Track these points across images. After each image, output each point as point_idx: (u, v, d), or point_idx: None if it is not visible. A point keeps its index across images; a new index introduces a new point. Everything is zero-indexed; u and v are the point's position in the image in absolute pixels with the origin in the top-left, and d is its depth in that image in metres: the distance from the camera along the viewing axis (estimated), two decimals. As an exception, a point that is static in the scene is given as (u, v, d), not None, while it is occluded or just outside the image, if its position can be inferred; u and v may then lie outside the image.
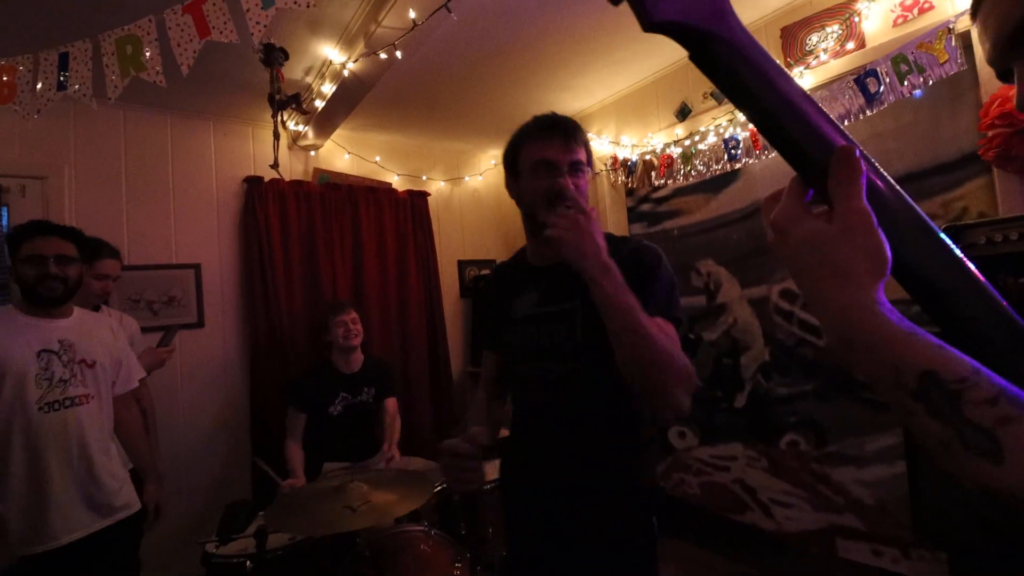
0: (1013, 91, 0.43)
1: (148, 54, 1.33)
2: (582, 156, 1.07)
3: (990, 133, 1.53)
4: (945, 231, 1.25)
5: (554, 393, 1.06)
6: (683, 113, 2.54)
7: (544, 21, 2.08)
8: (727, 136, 2.26)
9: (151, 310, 2.57)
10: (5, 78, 1.43)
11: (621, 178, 2.92)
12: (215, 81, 2.36)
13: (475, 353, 3.49)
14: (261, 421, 2.70)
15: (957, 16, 1.57)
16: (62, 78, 1.42)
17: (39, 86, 1.44)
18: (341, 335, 2.44)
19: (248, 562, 1.63)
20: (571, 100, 2.96)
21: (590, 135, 3.04)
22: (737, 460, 2.70)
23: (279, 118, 1.89)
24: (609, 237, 1.04)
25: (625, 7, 0.40)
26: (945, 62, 1.59)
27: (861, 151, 0.40)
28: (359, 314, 2.57)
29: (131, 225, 2.57)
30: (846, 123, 1.88)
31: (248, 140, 2.92)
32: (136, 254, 2.54)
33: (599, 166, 3.03)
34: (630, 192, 3.11)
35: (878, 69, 1.72)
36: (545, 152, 1.05)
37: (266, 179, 2.82)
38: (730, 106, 2.32)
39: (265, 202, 2.82)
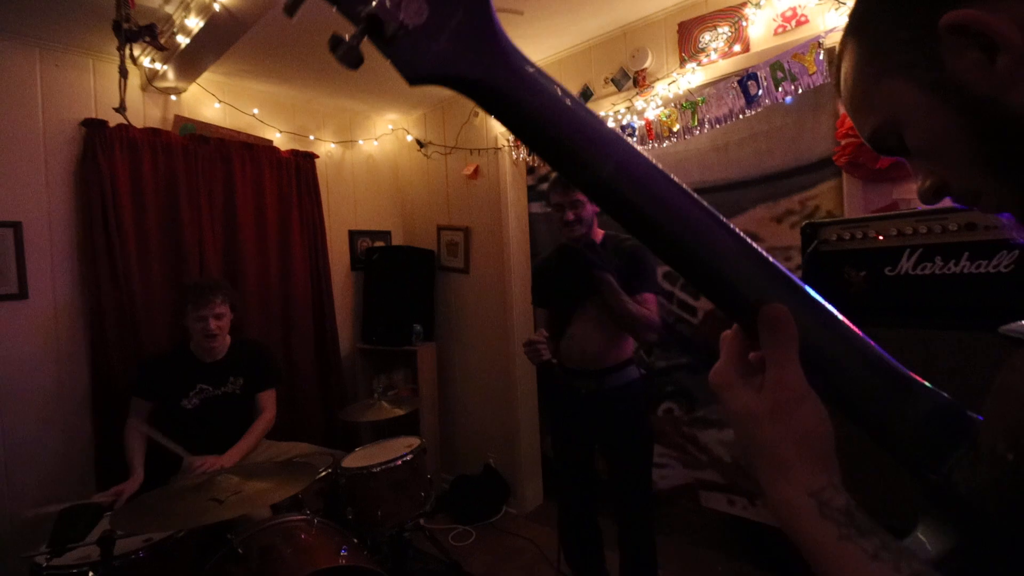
0: None
1: None
2: (575, 196, 1.78)
3: (843, 142, 1.73)
4: (804, 228, 1.40)
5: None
6: (585, 95, 2.57)
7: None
8: (624, 123, 2.34)
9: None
10: None
11: (523, 155, 2.90)
12: (38, -5, 1.90)
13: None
14: (105, 413, 2.31)
15: (827, 32, 1.74)
16: None
17: None
18: (199, 330, 2.14)
19: (90, 572, 1.40)
20: (475, 69, 2.86)
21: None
22: (619, 429, 2.91)
23: (127, 51, 1.56)
24: (609, 236, 1.86)
25: None
26: (813, 73, 1.76)
27: (792, 287, 0.37)
28: (231, 294, 2.27)
29: (-84, 168, 2.02)
30: (728, 122, 2.03)
31: (88, 74, 2.42)
32: (-76, 205, 2.01)
33: (501, 141, 2.98)
34: (531, 170, 3.12)
35: (758, 73, 1.87)
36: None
37: (111, 124, 2.37)
38: (628, 93, 2.39)
39: (111, 151, 2.37)
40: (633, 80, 2.37)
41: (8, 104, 2.22)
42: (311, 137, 3.16)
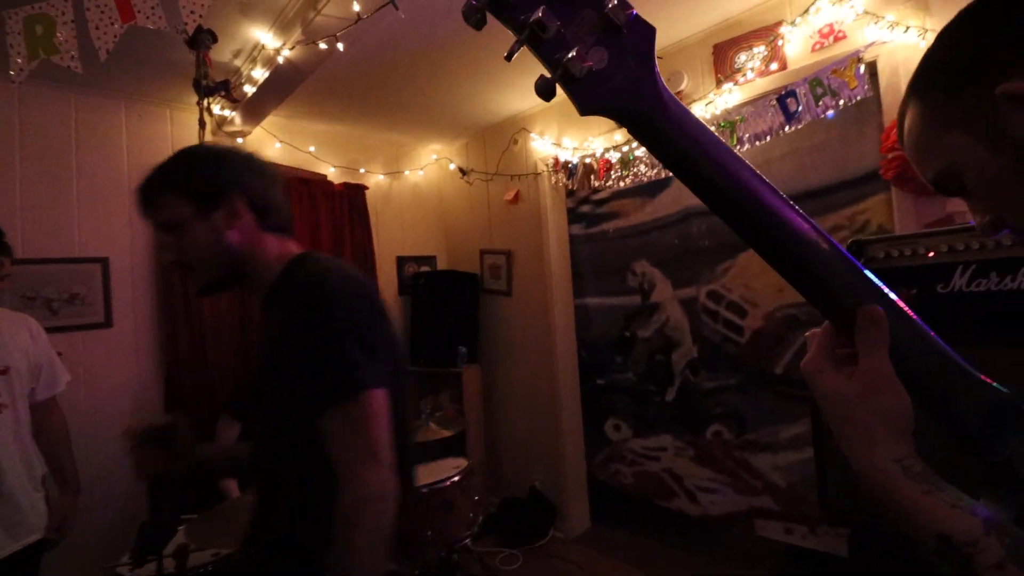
0: None
1: (61, 36, 1.18)
2: (159, 217, 0.94)
3: (889, 156, 1.70)
4: (850, 245, 1.38)
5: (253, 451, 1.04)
6: (622, 119, 2.62)
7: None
8: (662, 144, 2.36)
9: (50, 308, 2.31)
10: None
11: (562, 179, 2.97)
12: (128, 57, 2.14)
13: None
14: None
15: (866, 47, 1.73)
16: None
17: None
18: None
19: (167, 583, 1.51)
20: (516, 99, 2.97)
21: (533, 135, 3.09)
22: (667, 451, 2.85)
23: (205, 105, 1.75)
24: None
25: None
26: (854, 88, 1.74)
27: (890, 301, 0.42)
28: None
29: (25, 214, 2.29)
30: (768, 140, 2.03)
31: (166, 123, 2.68)
32: (31, 246, 2.27)
33: (540, 166, 3.06)
34: (571, 193, 3.18)
35: (797, 90, 1.87)
36: None
37: (187, 167, 2.60)
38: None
39: (185, 192, 2.60)
40: (670, 102, 2.40)
41: (99, 152, 2.49)
42: (362, 170, 3.35)
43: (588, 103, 0.39)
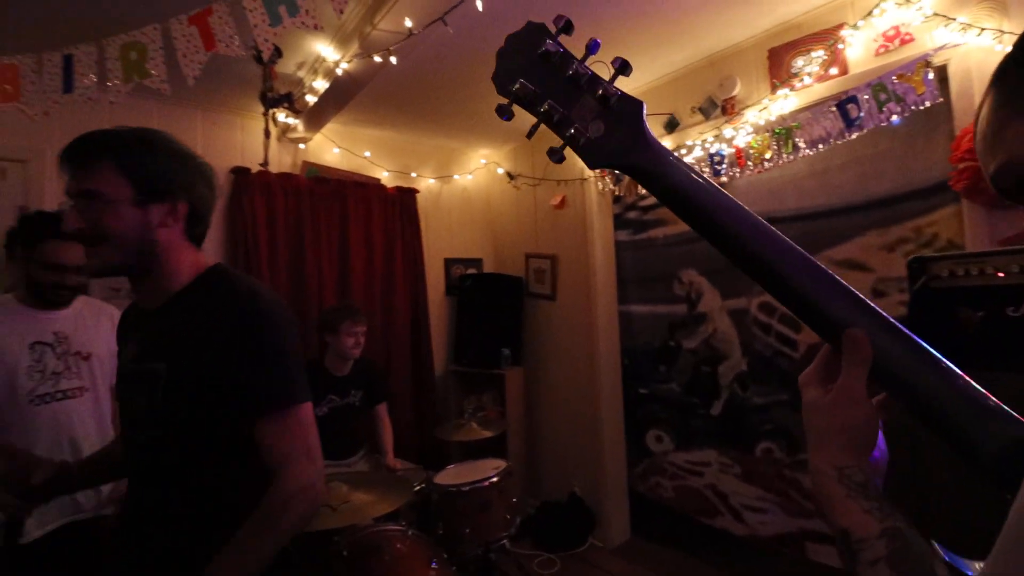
0: None
1: (152, 61, 1.33)
2: (85, 182, 0.89)
3: (960, 166, 1.59)
4: (911, 263, 1.30)
5: (138, 462, 0.97)
6: (671, 125, 2.58)
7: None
8: (712, 151, 2.31)
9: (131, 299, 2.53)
10: (9, 76, 1.42)
11: (609, 185, 2.96)
12: (204, 71, 2.33)
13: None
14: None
15: (935, 50, 1.62)
16: (80, 81, 1.43)
17: (44, 85, 1.45)
18: (350, 345, 2.41)
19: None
20: (563, 106, 2.98)
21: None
22: (711, 466, 2.78)
23: (270, 115, 1.88)
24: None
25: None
26: (922, 93, 1.65)
27: (868, 316, 0.46)
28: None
29: (113, 213, 2.53)
30: (824, 146, 1.94)
31: (236, 130, 2.88)
32: (118, 243, 2.50)
33: (587, 172, 3.06)
34: (617, 199, 3.15)
35: (858, 96, 1.78)
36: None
37: (253, 170, 2.79)
38: (717, 121, 2.37)
39: (252, 194, 2.79)
40: (721, 108, 2.34)
41: (178, 159, 2.71)
42: (413, 174, 3.47)
43: (592, 161, 0.52)
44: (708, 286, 2.86)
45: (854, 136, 1.85)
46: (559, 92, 0.51)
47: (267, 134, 1.91)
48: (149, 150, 0.92)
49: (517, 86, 0.51)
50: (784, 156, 2.09)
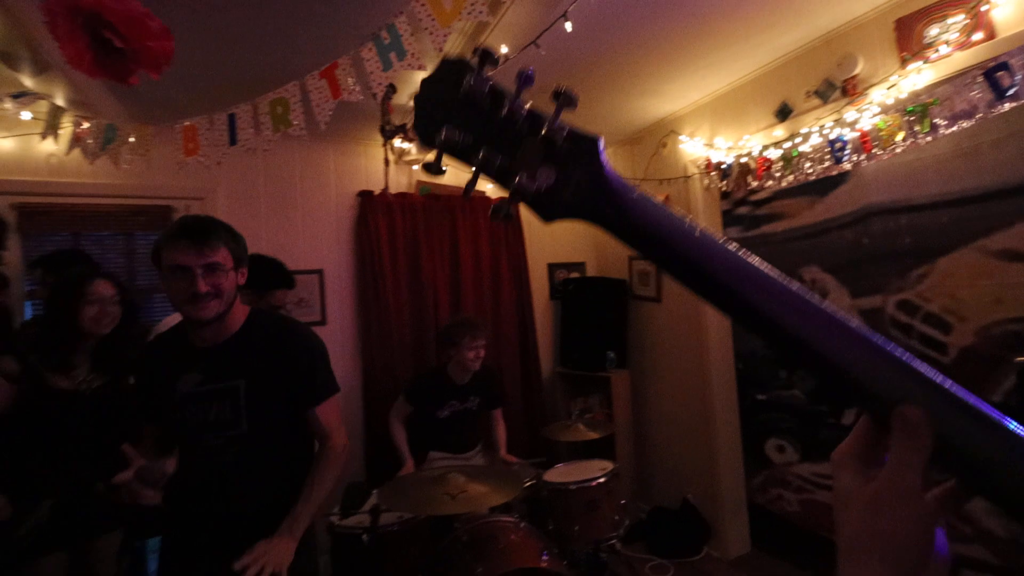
0: None
1: (293, 112, 1.61)
2: (218, 259, 1.26)
3: None
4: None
5: (222, 456, 1.33)
6: (783, 113, 2.43)
7: (631, 33, 2.11)
8: (832, 137, 2.14)
9: (285, 310, 2.97)
10: (191, 135, 1.80)
11: (716, 181, 2.85)
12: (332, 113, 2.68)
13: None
14: (370, 406, 3.04)
15: (1114, -2, 1.37)
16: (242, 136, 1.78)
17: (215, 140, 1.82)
18: (471, 358, 2.53)
19: (364, 535, 1.87)
20: (660, 104, 2.94)
21: (682, 137, 3.01)
22: (842, 479, 2.55)
23: (388, 146, 2.12)
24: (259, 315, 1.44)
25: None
26: (1098, 50, 1.40)
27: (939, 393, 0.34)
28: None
29: (268, 237, 2.99)
30: (968, 122, 1.71)
31: (361, 158, 3.25)
32: (272, 263, 2.96)
33: (691, 169, 2.97)
34: (725, 195, 3.02)
35: (1011, 61, 1.55)
36: (177, 258, 1.24)
37: (376, 192, 3.13)
38: (836, 104, 2.19)
39: (375, 213, 3.13)
40: (841, 90, 2.16)
41: (314, 184, 3.13)
42: (516, 184, 3.61)
43: (547, 215, 0.42)
44: (835, 284, 2.64)
45: (1006, 108, 1.61)
46: (495, 137, 0.42)
47: (387, 163, 2.16)
48: (236, 237, 1.35)
49: (443, 135, 0.41)
50: (920, 136, 1.88)
